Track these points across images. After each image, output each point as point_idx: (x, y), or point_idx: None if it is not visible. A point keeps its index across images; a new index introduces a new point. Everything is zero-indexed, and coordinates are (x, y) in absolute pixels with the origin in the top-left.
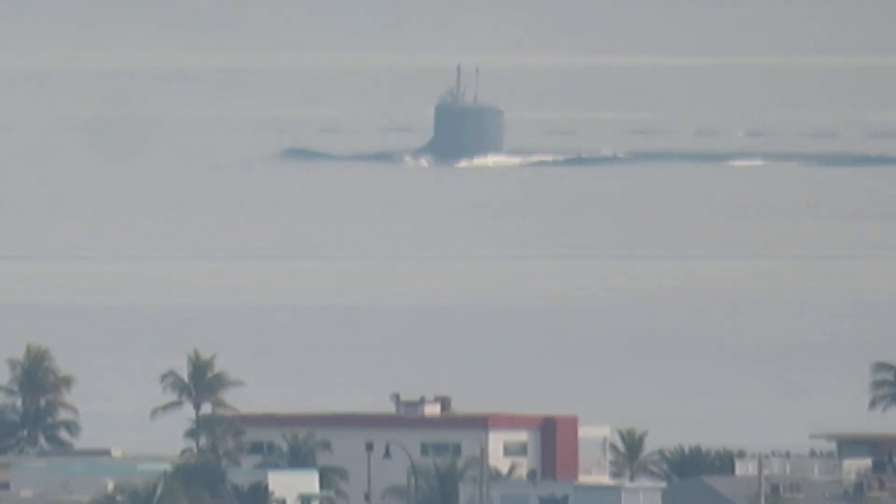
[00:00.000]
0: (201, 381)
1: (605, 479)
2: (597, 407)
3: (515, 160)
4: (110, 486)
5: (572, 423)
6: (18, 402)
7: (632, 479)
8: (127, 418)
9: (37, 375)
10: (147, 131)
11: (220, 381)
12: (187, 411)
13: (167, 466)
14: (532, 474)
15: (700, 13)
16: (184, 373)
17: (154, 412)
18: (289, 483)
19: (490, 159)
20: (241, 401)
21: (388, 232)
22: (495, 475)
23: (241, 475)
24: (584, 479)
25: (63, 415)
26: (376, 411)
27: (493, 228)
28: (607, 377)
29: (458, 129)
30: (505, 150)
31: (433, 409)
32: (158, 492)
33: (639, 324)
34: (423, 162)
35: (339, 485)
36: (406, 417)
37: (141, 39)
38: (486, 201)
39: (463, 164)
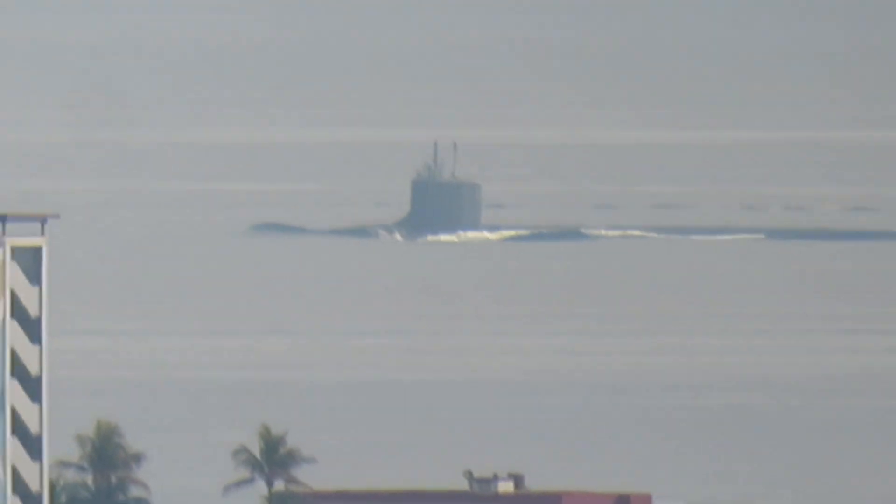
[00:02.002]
0: (273, 457)
1: None
2: (671, 484)
3: (494, 235)
4: None
5: (646, 500)
6: (90, 480)
7: None
8: (199, 495)
9: (107, 452)
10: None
11: (292, 458)
12: (260, 488)
13: None
14: None
15: (687, 85)
16: (255, 449)
17: (226, 489)
18: None
19: (467, 233)
20: (314, 477)
21: (425, 308)
22: None
23: None
24: None
25: (134, 491)
26: (449, 488)
27: (546, 305)
28: (680, 454)
29: (435, 204)
30: (482, 225)
31: (506, 486)
32: None
33: (712, 400)
34: (398, 236)
35: None
36: (479, 494)
37: (107, 114)
38: (520, 274)
39: (440, 238)
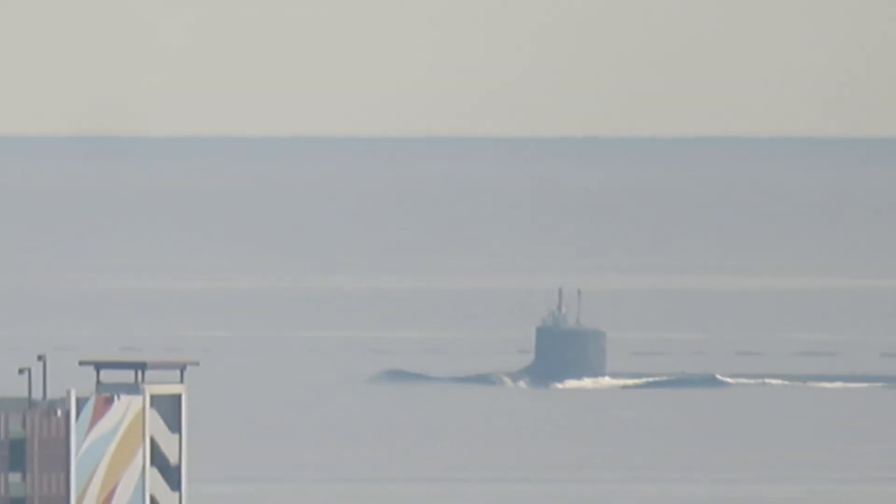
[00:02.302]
0: None
1: None
2: None
3: (619, 382)
4: None
5: None
6: None
7: None
8: None
9: None
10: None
11: None
12: None
13: None
14: None
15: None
16: None
17: None
18: None
19: (592, 381)
20: None
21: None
22: None
23: None
24: None
25: None
26: None
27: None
28: None
29: (559, 352)
30: (608, 372)
31: None
32: None
33: None
34: (522, 384)
35: None
36: None
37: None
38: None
39: (566, 385)
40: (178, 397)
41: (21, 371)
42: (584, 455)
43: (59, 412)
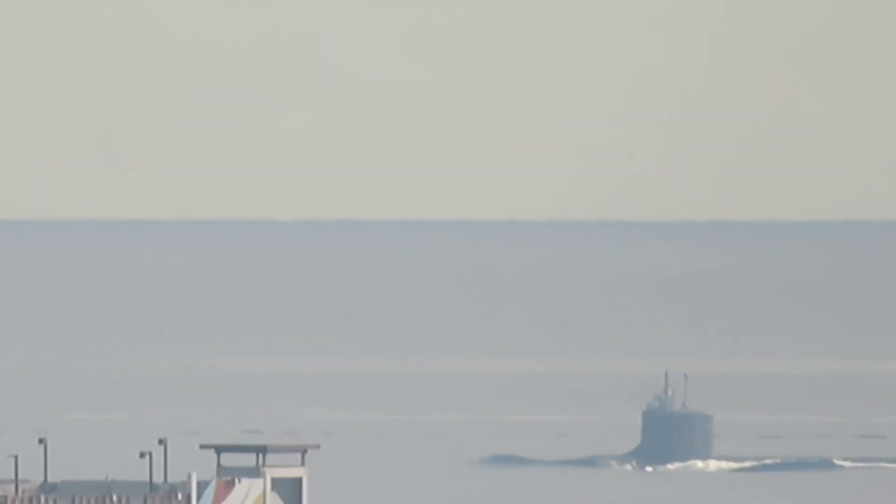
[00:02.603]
0: None
1: None
2: None
3: (727, 465)
4: None
5: None
6: None
7: None
8: None
9: None
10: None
11: None
12: None
13: None
14: None
15: None
16: None
17: None
18: None
19: (699, 464)
20: None
21: None
22: None
23: None
24: None
25: None
26: None
27: None
28: None
29: (666, 435)
30: (715, 456)
31: None
32: None
33: None
34: (629, 467)
35: None
36: None
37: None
38: None
39: (671, 467)
40: (298, 480)
41: (142, 455)
42: None
43: (180, 496)
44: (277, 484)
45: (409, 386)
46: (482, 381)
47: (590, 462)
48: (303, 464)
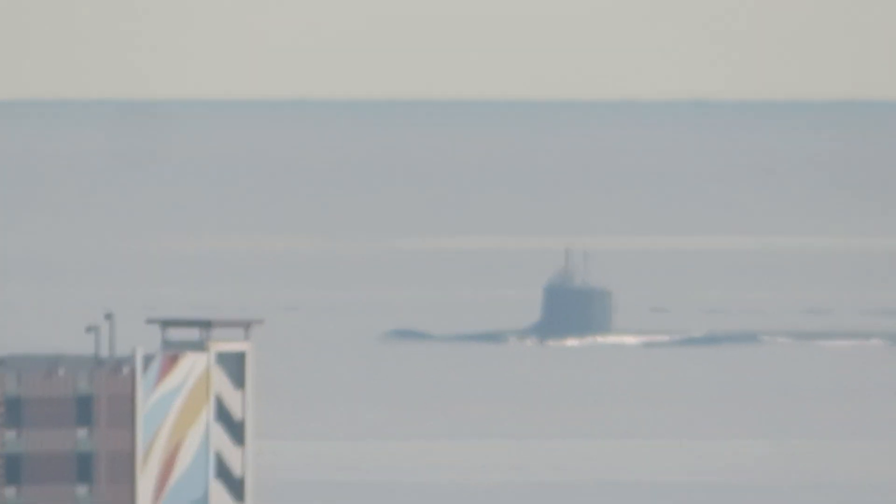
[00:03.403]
0: None
1: None
2: None
3: (626, 339)
4: None
5: None
6: None
7: None
8: None
9: None
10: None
11: None
12: None
13: None
14: None
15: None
16: None
17: None
18: None
19: (599, 339)
20: None
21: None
22: None
23: None
24: None
25: None
26: None
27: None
28: None
29: (566, 310)
30: (614, 331)
31: None
32: None
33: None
34: (529, 342)
35: None
36: None
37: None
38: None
39: (571, 342)
40: (242, 354)
41: (89, 329)
42: (589, 412)
43: (125, 370)
44: (221, 358)
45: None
46: (383, 257)
47: (491, 337)
48: (247, 339)
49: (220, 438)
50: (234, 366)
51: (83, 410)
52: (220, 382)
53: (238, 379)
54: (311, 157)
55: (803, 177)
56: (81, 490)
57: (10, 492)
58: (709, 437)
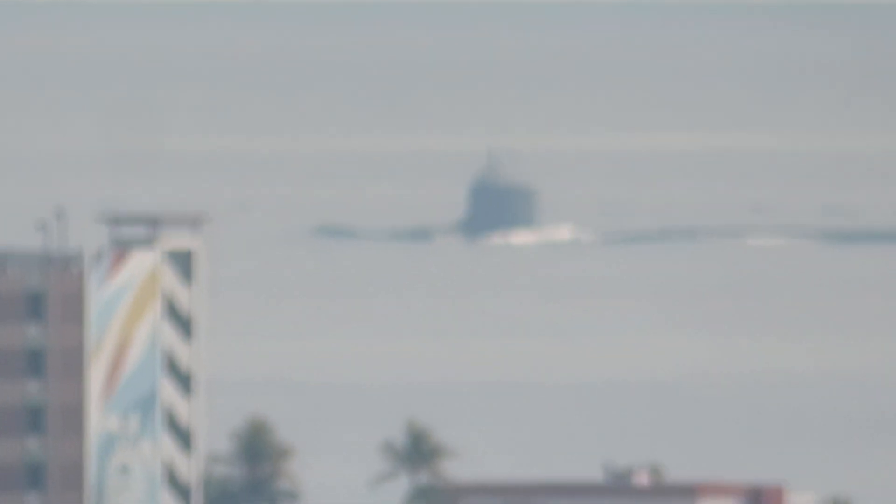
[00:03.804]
0: (418, 452)
1: None
2: (803, 476)
3: (550, 237)
4: None
5: (779, 492)
6: (240, 473)
7: None
8: (345, 488)
9: (258, 447)
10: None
11: (436, 453)
12: (404, 482)
13: None
14: None
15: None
16: (401, 444)
17: (371, 482)
18: None
19: (523, 236)
20: (457, 472)
21: (478, 309)
22: None
23: None
24: None
25: (284, 485)
26: (587, 480)
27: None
28: (813, 448)
29: (491, 208)
30: (537, 227)
31: (643, 479)
32: None
33: (847, 399)
34: (454, 240)
35: None
36: (617, 486)
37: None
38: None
39: (496, 240)
40: (189, 252)
41: (38, 226)
42: (510, 309)
43: (75, 267)
44: (171, 255)
45: (244, 163)
46: (308, 156)
47: (416, 234)
48: (196, 235)
49: (169, 335)
50: (183, 262)
51: (33, 307)
52: (169, 280)
53: (186, 276)
54: (241, 57)
55: (742, 74)
56: (32, 386)
57: None
58: (640, 333)
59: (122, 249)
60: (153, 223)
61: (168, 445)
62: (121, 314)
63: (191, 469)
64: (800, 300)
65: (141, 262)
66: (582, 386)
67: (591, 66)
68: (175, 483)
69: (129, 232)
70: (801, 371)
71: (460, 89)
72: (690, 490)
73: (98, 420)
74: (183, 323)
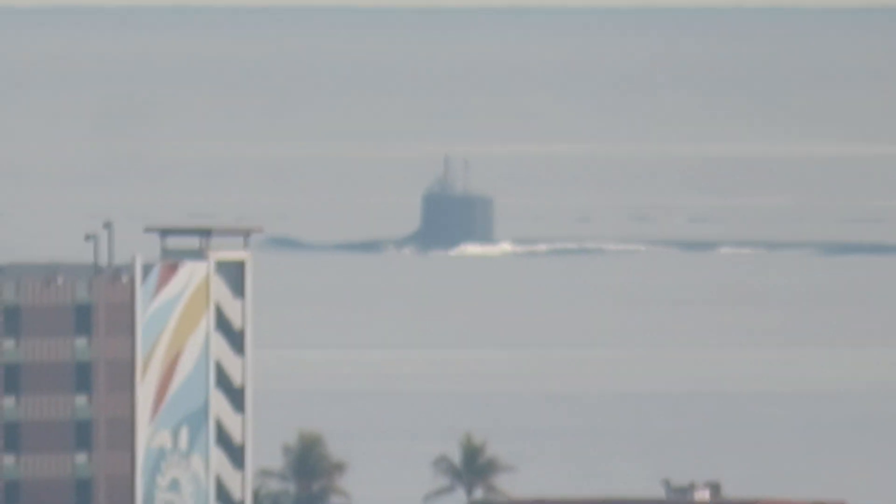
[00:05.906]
0: (473, 466)
1: None
2: (866, 493)
3: (507, 248)
4: None
5: None
6: (292, 488)
7: None
8: (400, 503)
9: (310, 461)
10: None
11: (491, 467)
12: (459, 497)
13: None
14: None
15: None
16: (456, 458)
17: (426, 498)
18: None
19: (479, 248)
20: (513, 486)
21: (436, 321)
22: None
23: None
24: None
25: (336, 500)
26: (646, 496)
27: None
28: (874, 463)
29: (446, 218)
30: (495, 239)
31: (703, 495)
32: None
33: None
34: (408, 251)
35: None
36: (676, 502)
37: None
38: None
39: (451, 252)
40: (241, 263)
41: (88, 238)
42: (467, 322)
43: (124, 279)
44: (221, 267)
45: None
46: (259, 164)
47: (368, 246)
48: (246, 247)
49: (220, 347)
50: (234, 274)
51: (82, 319)
52: (220, 291)
53: (237, 288)
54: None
55: (684, 83)
56: (80, 400)
57: (8, 401)
58: (591, 346)
59: (172, 261)
60: (204, 234)
61: (219, 460)
62: (170, 327)
63: (242, 485)
64: (864, 312)
65: (191, 274)
66: (639, 398)
67: (547, 74)
68: (226, 499)
69: (179, 243)
70: (865, 385)
71: (413, 95)
72: None
73: (147, 434)
74: (234, 335)
